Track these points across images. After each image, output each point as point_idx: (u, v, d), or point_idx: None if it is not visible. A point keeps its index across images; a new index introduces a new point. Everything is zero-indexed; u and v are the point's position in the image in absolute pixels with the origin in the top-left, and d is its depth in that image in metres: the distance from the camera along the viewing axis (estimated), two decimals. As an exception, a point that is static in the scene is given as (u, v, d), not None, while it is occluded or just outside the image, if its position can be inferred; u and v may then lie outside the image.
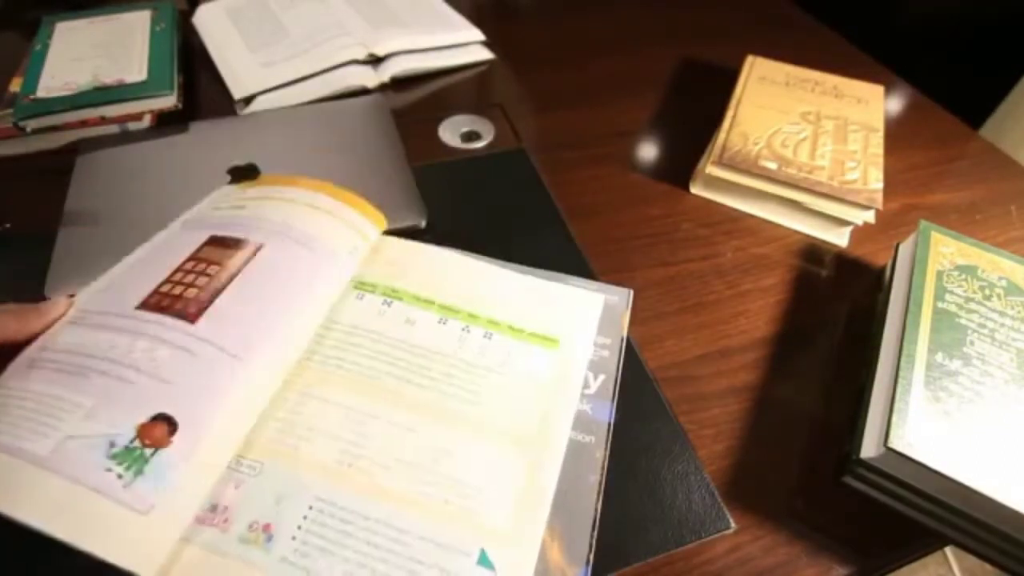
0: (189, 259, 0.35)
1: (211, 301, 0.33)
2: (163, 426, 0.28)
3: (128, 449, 0.27)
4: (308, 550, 0.28)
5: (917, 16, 1.00)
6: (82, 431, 0.27)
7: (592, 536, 0.31)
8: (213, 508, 0.29)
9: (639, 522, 0.32)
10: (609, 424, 0.35)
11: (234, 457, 0.30)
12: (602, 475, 0.33)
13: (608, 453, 0.34)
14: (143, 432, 0.27)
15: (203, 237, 0.37)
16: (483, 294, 0.39)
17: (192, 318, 0.32)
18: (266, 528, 0.28)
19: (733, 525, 0.33)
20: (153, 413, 0.28)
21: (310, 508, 0.29)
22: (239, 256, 0.36)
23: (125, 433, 0.27)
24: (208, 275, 0.34)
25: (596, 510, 0.32)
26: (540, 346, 0.37)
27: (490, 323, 0.38)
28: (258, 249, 0.36)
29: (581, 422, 0.34)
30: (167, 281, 0.34)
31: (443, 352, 0.36)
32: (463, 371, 0.35)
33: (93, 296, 0.34)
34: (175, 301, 0.33)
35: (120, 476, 0.26)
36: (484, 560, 0.28)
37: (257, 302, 0.34)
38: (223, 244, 0.36)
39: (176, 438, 0.28)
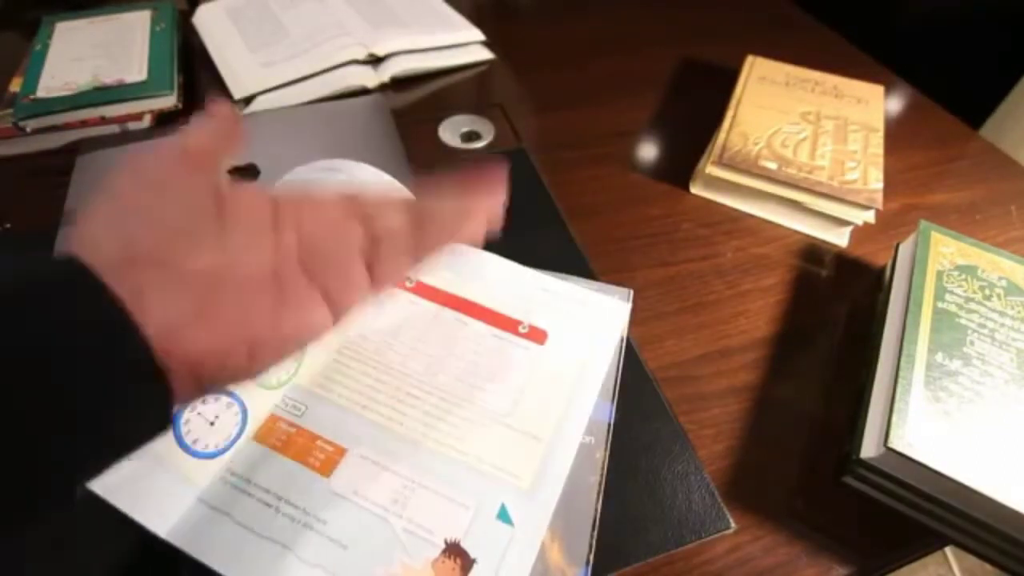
0: None
1: None
2: None
3: None
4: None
5: (917, 16, 1.00)
6: None
7: (592, 536, 0.31)
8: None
9: (639, 522, 0.32)
10: (609, 424, 0.35)
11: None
12: (602, 475, 0.33)
13: (608, 453, 0.34)
14: None
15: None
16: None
17: None
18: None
19: (733, 525, 0.33)
20: None
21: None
22: None
23: None
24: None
25: (596, 510, 0.32)
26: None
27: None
28: None
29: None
30: None
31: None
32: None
33: None
34: None
35: None
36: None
37: None
38: None
39: None
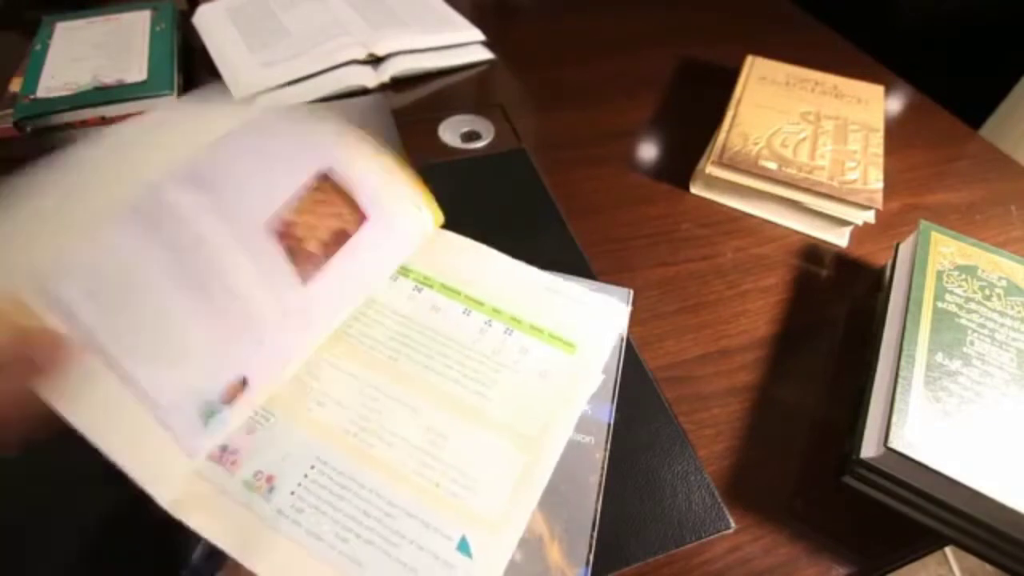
0: (310, 189, 0.33)
1: (321, 266, 0.33)
2: (239, 387, 0.30)
3: (209, 403, 0.29)
4: (303, 506, 0.29)
5: (917, 16, 1.00)
6: (188, 379, 0.28)
7: (592, 536, 0.31)
8: (224, 448, 0.30)
9: (639, 522, 0.32)
10: (609, 424, 0.35)
11: None
12: (602, 475, 0.33)
13: (608, 453, 0.34)
14: (227, 391, 0.30)
15: (315, 167, 0.34)
16: (509, 291, 0.40)
17: (305, 278, 0.32)
18: (269, 479, 0.30)
19: (733, 525, 0.33)
20: (242, 375, 0.30)
21: (311, 468, 0.31)
22: (350, 219, 0.35)
23: (216, 389, 0.29)
24: (328, 226, 0.33)
25: (596, 510, 0.32)
26: (558, 348, 0.37)
27: (512, 320, 0.38)
28: (363, 220, 0.35)
29: (581, 422, 0.34)
30: (294, 210, 0.32)
31: (462, 342, 0.37)
32: (478, 363, 0.36)
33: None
34: (298, 246, 0.32)
35: (194, 426, 0.28)
36: (463, 546, 0.29)
37: (346, 277, 0.35)
38: (337, 191, 0.34)
39: (242, 396, 0.30)
